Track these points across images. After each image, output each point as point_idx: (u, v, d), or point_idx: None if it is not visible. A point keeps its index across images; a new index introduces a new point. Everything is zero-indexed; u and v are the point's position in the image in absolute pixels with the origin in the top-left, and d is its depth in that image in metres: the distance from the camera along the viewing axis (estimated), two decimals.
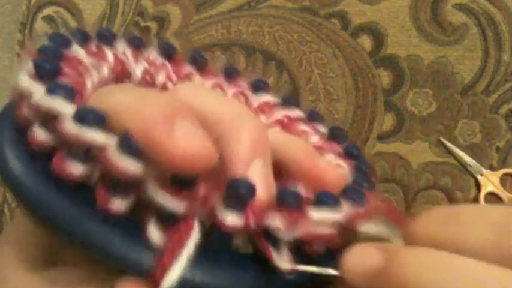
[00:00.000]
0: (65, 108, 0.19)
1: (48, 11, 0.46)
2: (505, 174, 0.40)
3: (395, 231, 0.22)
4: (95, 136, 0.19)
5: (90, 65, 0.24)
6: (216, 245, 0.20)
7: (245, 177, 0.20)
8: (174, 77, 0.28)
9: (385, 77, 0.42)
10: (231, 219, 0.19)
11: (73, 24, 0.46)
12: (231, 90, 0.29)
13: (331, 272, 0.20)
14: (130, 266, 0.19)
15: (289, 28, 0.43)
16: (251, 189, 0.19)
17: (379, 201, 0.22)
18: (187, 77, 0.29)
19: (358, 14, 0.42)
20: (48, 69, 0.21)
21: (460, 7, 0.41)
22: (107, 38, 0.27)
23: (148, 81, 0.27)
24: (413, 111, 0.41)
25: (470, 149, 0.40)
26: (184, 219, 0.19)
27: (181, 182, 0.19)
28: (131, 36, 0.28)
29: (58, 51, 0.23)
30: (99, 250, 0.19)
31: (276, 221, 0.20)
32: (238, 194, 0.19)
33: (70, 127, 0.19)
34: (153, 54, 0.28)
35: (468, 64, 0.41)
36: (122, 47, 0.28)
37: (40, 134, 0.20)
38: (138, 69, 0.27)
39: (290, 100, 0.30)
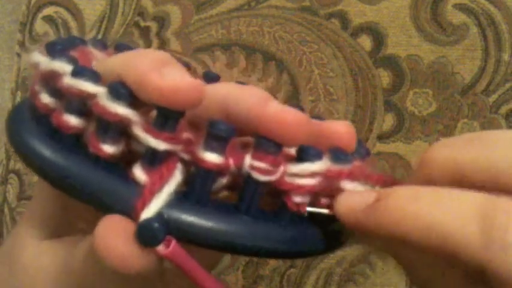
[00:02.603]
0: (66, 67, 0.22)
1: (48, 11, 0.46)
2: None
3: None
4: (87, 86, 0.21)
5: (101, 57, 0.26)
6: (198, 188, 0.21)
7: (224, 120, 0.21)
8: None
9: (385, 77, 0.42)
10: (210, 157, 0.20)
11: (73, 24, 0.46)
12: None
13: (323, 211, 0.22)
14: (114, 204, 0.20)
15: (289, 28, 0.43)
16: (230, 129, 0.20)
17: (371, 168, 0.23)
18: None
19: (358, 14, 0.42)
20: (57, 48, 0.23)
21: (460, 7, 0.41)
22: (123, 49, 0.28)
23: None
24: (413, 111, 0.41)
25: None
26: (168, 160, 0.21)
27: (164, 123, 0.20)
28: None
29: (71, 42, 0.25)
30: (85, 191, 0.20)
31: (254, 162, 0.21)
32: (218, 133, 0.20)
33: (67, 81, 0.21)
34: None
35: (468, 64, 0.41)
36: None
37: (44, 98, 0.22)
38: None
39: (293, 106, 0.30)
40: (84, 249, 0.22)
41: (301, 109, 0.30)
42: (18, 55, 0.47)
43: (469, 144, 0.22)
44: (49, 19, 0.46)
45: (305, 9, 0.43)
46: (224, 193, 0.23)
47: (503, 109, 0.40)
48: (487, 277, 0.19)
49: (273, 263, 0.42)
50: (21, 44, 0.47)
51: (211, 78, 0.31)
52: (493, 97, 0.41)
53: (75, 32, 0.46)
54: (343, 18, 0.42)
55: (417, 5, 0.41)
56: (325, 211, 0.22)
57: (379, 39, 0.42)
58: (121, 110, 0.20)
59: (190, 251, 0.20)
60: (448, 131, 0.41)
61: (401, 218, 0.20)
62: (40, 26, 0.47)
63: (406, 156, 0.41)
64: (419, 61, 0.41)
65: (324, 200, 0.22)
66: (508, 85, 0.40)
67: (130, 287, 0.23)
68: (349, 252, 0.41)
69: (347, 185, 0.22)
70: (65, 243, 0.24)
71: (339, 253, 0.41)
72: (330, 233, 0.23)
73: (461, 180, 0.21)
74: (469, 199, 0.20)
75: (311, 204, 0.22)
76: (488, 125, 0.40)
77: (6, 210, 0.46)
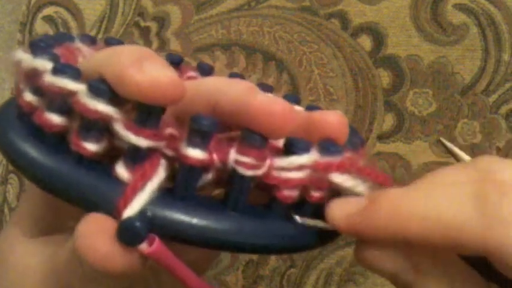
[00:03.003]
0: (46, 65, 0.21)
1: (48, 11, 0.46)
2: None
3: (375, 189, 0.22)
4: (67, 83, 0.20)
5: (88, 54, 0.26)
6: (183, 184, 0.20)
7: (206, 114, 0.20)
8: None
9: (385, 77, 0.42)
10: (193, 152, 0.20)
11: (73, 24, 0.46)
12: None
13: (317, 223, 0.22)
14: (96, 202, 0.20)
15: (289, 28, 0.43)
16: (212, 124, 0.20)
17: (365, 159, 0.23)
18: (190, 79, 0.30)
19: (358, 14, 0.42)
20: (40, 45, 0.23)
21: (460, 7, 0.41)
22: (113, 44, 0.28)
23: None
24: (413, 111, 0.41)
25: (470, 149, 0.40)
26: (151, 156, 0.20)
27: (145, 120, 0.20)
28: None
29: (57, 39, 0.25)
30: (67, 190, 0.20)
31: (239, 156, 0.20)
32: (200, 128, 0.20)
33: (47, 78, 0.21)
34: None
35: (468, 64, 0.41)
36: None
37: (27, 96, 0.22)
38: None
39: (290, 98, 0.30)
40: (68, 248, 0.22)
41: (298, 100, 0.30)
42: None
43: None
44: (49, 19, 0.46)
45: (305, 9, 0.43)
46: (213, 189, 0.23)
47: (503, 109, 0.40)
48: (491, 259, 0.19)
49: (273, 263, 0.42)
50: (21, 44, 0.47)
51: (205, 70, 0.31)
52: (493, 97, 0.40)
53: (75, 32, 0.46)
54: (343, 18, 0.42)
55: (417, 5, 0.41)
56: (319, 223, 0.22)
57: (379, 39, 0.42)
58: (101, 107, 0.20)
59: (180, 251, 0.20)
60: (448, 131, 0.41)
61: (397, 214, 0.20)
62: (40, 26, 0.47)
63: (406, 156, 0.41)
64: (419, 61, 0.41)
65: (314, 193, 0.22)
66: (508, 85, 0.40)
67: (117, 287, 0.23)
68: (349, 252, 0.41)
69: (336, 177, 0.22)
70: (53, 242, 0.24)
71: (339, 253, 0.41)
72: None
73: None
74: (462, 184, 0.20)
75: (300, 198, 0.22)
76: (488, 125, 0.40)
77: (6, 210, 0.46)
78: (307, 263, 0.42)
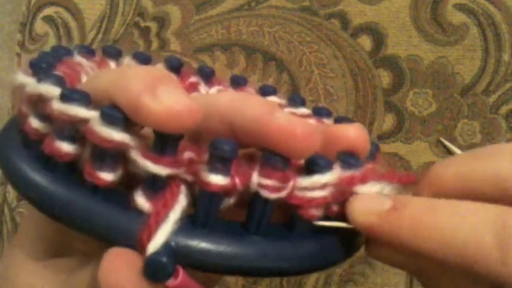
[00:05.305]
0: (53, 91, 0.20)
1: (48, 11, 0.46)
2: None
3: (398, 192, 0.22)
4: (78, 111, 0.19)
5: (90, 68, 0.25)
6: (205, 211, 0.20)
7: (227, 139, 0.19)
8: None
9: (385, 77, 0.42)
10: (216, 179, 0.19)
11: (73, 24, 0.46)
12: None
13: (335, 224, 0.21)
14: (117, 235, 0.19)
15: (289, 28, 0.43)
16: (234, 149, 0.19)
17: (381, 165, 0.23)
18: (192, 85, 0.29)
19: (358, 14, 0.42)
20: (42, 66, 0.22)
21: (460, 7, 0.41)
22: (112, 53, 0.28)
23: None
24: (413, 111, 0.41)
25: (470, 149, 0.40)
26: (171, 184, 0.19)
27: (164, 147, 0.19)
28: (138, 52, 0.29)
29: (56, 55, 0.24)
30: (85, 223, 0.19)
31: (262, 180, 0.20)
32: (222, 154, 0.19)
33: (56, 106, 0.20)
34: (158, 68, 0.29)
35: (468, 64, 0.41)
36: (128, 62, 0.28)
37: (34, 123, 0.21)
38: None
39: (296, 99, 0.30)
40: (85, 279, 0.21)
41: (304, 101, 0.30)
42: (18, 55, 0.47)
43: (475, 159, 0.21)
44: (49, 19, 0.46)
45: (305, 9, 0.43)
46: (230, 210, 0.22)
47: (503, 109, 0.40)
48: None
49: None
50: (21, 44, 0.47)
51: (206, 73, 0.31)
52: (493, 97, 0.40)
53: (75, 32, 0.46)
54: (343, 18, 0.42)
55: (417, 5, 0.41)
56: (337, 224, 0.21)
57: (379, 39, 0.42)
58: (116, 135, 0.19)
59: (192, 271, 0.19)
60: (448, 131, 0.41)
61: (418, 229, 0.20)
62: (40, 26, 0.47)
63: (406, 156, 0.41)
64: (419, 61, 0.41)
65: (335, 207, 0.21)
66: (508, 85, 0.40)
67: None
68: None
69: (361, 189, 0.21)
70: (63, 266, 0.23)
71: None
72: (344, 239, 0.22)
73: (471, 195, 0.21)
74: (484, 211, 0.19)
75: (322, 214, 0.21)
76: (488, 125, 0.40)
77: (6, 210, 0.46)
78: None
